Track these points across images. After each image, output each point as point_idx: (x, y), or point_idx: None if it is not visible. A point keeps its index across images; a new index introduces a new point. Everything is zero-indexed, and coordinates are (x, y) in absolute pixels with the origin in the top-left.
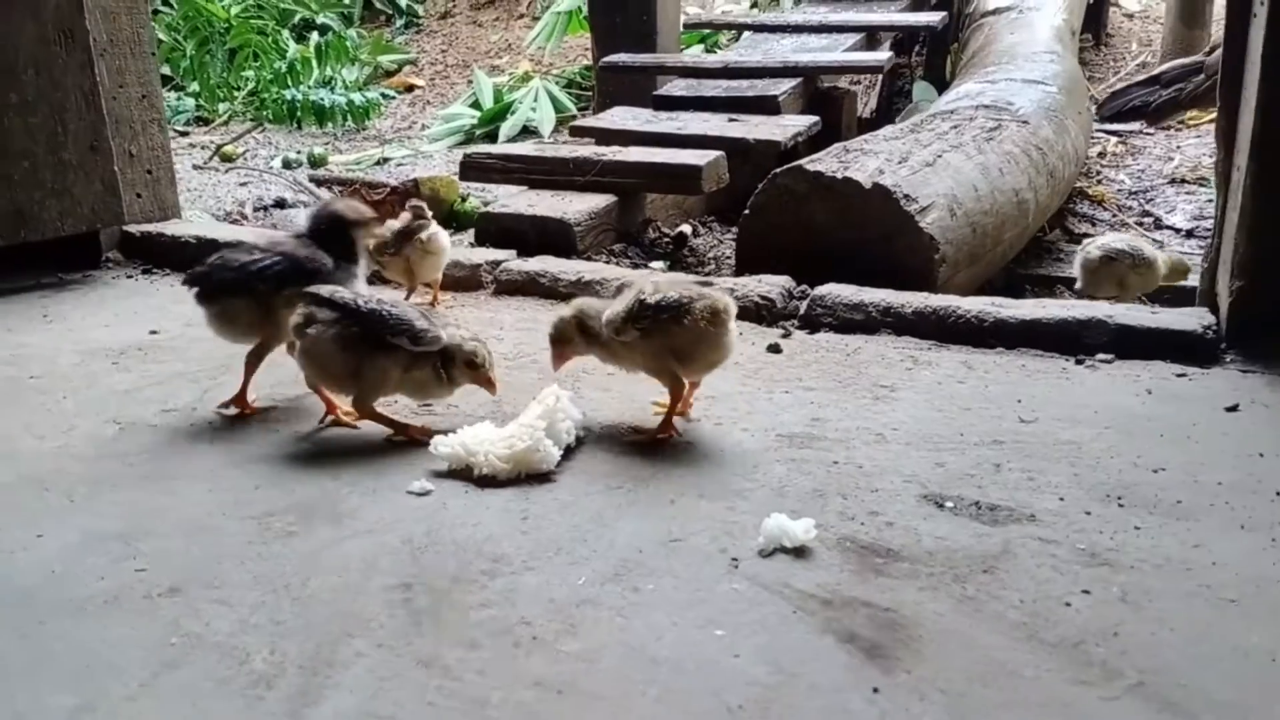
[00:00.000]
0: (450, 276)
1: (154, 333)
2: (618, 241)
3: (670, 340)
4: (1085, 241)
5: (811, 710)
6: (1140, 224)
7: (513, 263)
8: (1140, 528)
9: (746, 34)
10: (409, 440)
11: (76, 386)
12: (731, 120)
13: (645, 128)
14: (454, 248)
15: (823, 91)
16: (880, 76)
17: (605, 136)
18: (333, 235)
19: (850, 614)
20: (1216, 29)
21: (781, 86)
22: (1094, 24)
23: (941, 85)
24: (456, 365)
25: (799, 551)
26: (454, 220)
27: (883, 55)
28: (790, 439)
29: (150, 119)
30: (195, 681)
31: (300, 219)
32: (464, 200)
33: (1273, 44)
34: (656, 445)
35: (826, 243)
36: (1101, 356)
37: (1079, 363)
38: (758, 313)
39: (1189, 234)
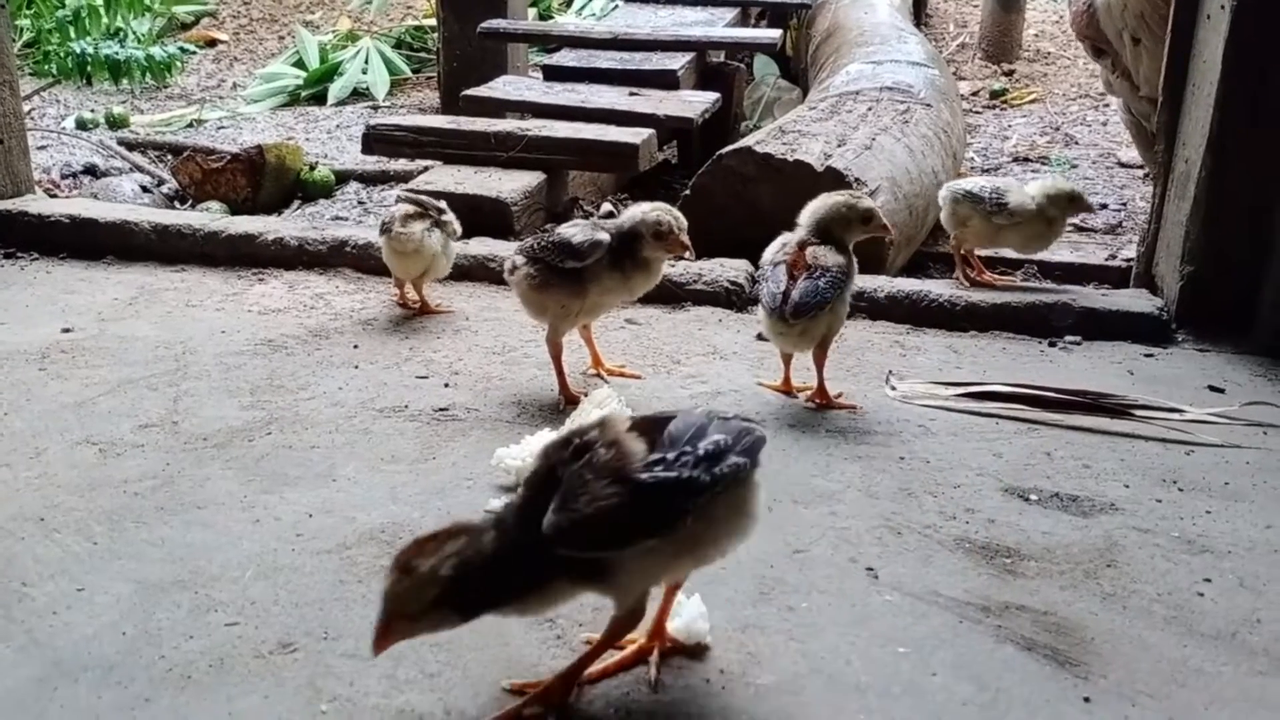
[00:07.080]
0: None
1: (67, 330)
2: (548, 221)
3: None
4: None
5: None
6: None
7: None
8: (1210, 511)
9: (620, 4)
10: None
11: (12, 400)
12: (633, 94)
13: (546, 99)
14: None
15: (714, 67)
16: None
17: (503, 108)
18: None
19: (1014, 620)
20: (1032, 14)
21: (678, 61)
22: (915, 5)
23: (780, 59)
24: None
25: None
26: (301, 190)
27: (775, 33)
28: (843, 434)
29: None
30: None
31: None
32: (312, 169)
33: (1233, 48)
34: None
35: (774, 225)
36: (1070, 339)
37: (1051, 345)
38: (728, 298)
39: None
